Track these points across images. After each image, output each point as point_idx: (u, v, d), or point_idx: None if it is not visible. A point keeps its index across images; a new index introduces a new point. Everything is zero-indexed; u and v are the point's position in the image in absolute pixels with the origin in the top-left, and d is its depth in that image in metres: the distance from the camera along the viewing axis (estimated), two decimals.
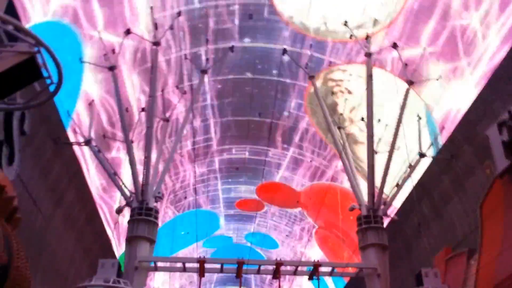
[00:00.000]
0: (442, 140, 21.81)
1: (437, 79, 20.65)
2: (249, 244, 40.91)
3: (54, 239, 22.01)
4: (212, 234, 43.28)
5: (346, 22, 22.65)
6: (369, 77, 21.64)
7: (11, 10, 14.88)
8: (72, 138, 21.49)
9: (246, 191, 38.28)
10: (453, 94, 20.93)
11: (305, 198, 35.76)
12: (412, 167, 21.37)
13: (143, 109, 25.10)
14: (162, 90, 25.32)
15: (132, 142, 21.66)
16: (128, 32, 21.61)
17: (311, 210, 36.02)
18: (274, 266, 20.50)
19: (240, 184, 37.50)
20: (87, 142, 21.57)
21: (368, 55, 21.69)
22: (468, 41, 19.45)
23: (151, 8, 21.61)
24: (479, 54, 19.09)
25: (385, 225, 20.70)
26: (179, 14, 22.75)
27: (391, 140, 20.83)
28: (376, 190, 20.77)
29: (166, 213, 36.76)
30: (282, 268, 20.58)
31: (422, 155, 20.98)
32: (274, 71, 26.78)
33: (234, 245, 45.15)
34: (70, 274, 24.19)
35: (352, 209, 21.23)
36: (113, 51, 21.54)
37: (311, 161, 32.89)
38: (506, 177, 15.54)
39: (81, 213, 24.69)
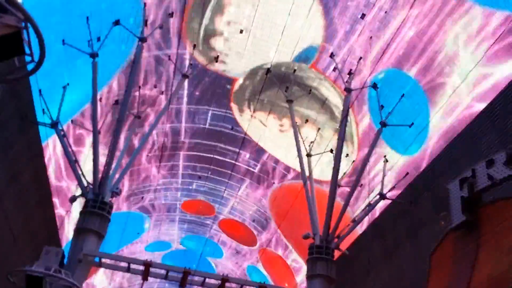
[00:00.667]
0: (403, 185, 22.24)
1: (410, 126, 21.08)
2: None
3: (1, 216, 21.36)
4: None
5: (332, 54, 23.10)
6: (345, 112, 21.94)
7: None
8: (40, 119, 21.03)
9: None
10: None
11: (272, 199, 35.31)
12: (371, 206, 21.69)
13: (116, 102, 24.83)
14: (139, 87, 25.13)
15: (99, 133, 21.33)
16: (116, 23, 21.40)
17: (275, 214, 35.68)
18: (220, 282, 20.43)
19: (200, 193, 37.25)
20: (54, 125, 21.11)
21: (348, 90, 22.03)
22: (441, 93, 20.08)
23: (145, 4, 21.52)
24: (451, 106, 19.71)
25: (335, 258, 20.89)
26: (171, 15, 22.76)
27: (356, 177, 21.14)
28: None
29: (119, 209, 36.23)
30: (227, 285, 20.52)
31: (382, 196, 21.34)
32: None
33: (184, 251, 44.76)
34: (11, 255, 23.47)
35: (306, 237, 21.34)
36: (98, 38, 21.27)
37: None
38: (459, 232, 15.98)
39: (33, 195, 24.06)
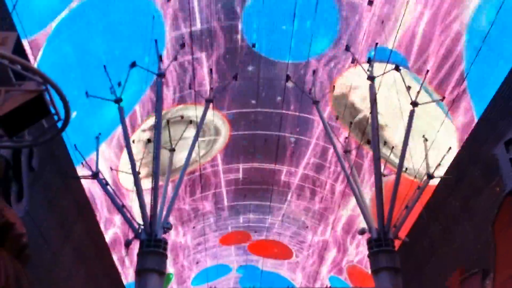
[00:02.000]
0: (449, 160, 21.75)
1: (441, 100, 20.69)
2: None
3: (64, 274, 21.90)
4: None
5: (347, 46, 22.93)
6: (373, 101, 21.68)
7: (19, 47, 15.12)
8: (80, 172, 21.59)
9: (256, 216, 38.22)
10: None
11: None
12: (420, 188, 21.25)
13: (149, 140, 25.26)
14: (168, 121, 25.54)
15: (139, 173, 21.72)
16: (133, 65, 21.89)
17: None
18: None
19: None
20: (95, 176, 21.64)
21: (371, 79, 21.79)
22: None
23: (155, 41, 21.92)
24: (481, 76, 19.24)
25: (396, 247, 20.53)
26: (183, 45, 23.11)
27: (398, 162, 20.78)
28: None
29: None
30: None
31: (430, 176, 20.86)
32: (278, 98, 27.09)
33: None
34: None
35: (362, 232, 21.10)
36: (119, 84, 21.76)
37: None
38: None
39: (90, 247, 24.61)
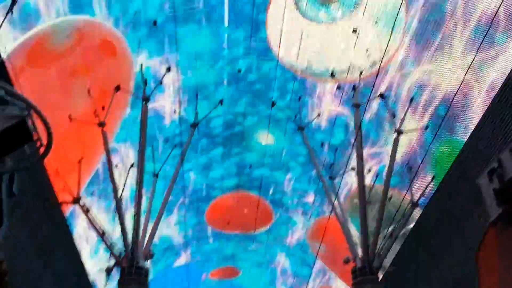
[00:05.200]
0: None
1: (426, 129, 20.85)
2: None
3: None
4: None
5: (333, 72, 23.11)
6: (358, 128, 21.80)
7: (1, 71, 14.93)
8: (61, 197, 21.16)
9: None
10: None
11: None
12: (405, 217, 21.25)
13: (132, 165, 24.96)
14: (152, 146, 25.31)
15: (121, 200, 21.41)
16: (118, 88, 21.77)
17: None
18: None
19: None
20: (76, 201, 21.29)
21: (356, 105, 21.93)
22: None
23: (141, 65, 21.87)
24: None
25: (382, 275, 20.39)
26: (168, 69, 23.08)
27: (383, 190, 20.78)
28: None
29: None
30: None
31: (414, 204, 20.88)
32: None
33: None
34: None
35: (347, 261, 20.93)
36: (102, 108, 21.57)
37: None
38: (500, 225, 15.49)
39: (70, 274, 24.01)
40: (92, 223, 21.45)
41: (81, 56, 20.42)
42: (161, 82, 23.25)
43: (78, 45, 20.09)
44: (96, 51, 21.09)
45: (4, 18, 14.20)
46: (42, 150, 9.84)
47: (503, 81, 16.21)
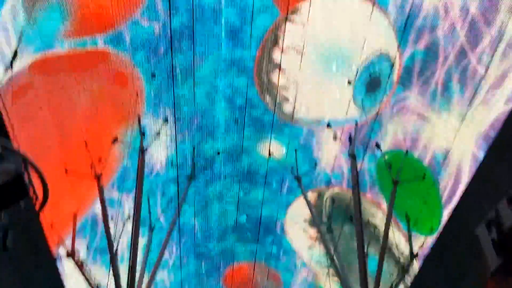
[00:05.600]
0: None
1: (423, 178, 20.86)
2: None
3: None
4: None
5: (329, 123, 23.32)
6: (355, 176, 21.78)
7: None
8: (55, 251, 20.86)
9: None
10: None
11: None
12: (404, 270, 20.94)
13: (128, 217, 24.70)
14: (148, 198, 25.16)
15: (116, 253, 21.05)
16: (115, 140, 21.85)
17: None
18: None
19: None
20: (69, 255, 20.93)
21: (353, 156, 22.00)
22: None
23: (138, 116, 22.05)
24: None
25: None
26: (166, 120, 23.26)
27: (382, 242, 20.55)
28: None
29: None
30: None
31: (413, 256, 20.62)
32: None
33: None
34: None
35: None
36: (99, 159, 21.56)
37: None
38: (500, 276, 15.28)
39: None
40: (86, 277, 21.00)
41: None
42: (158, 133, 23.38)
43: None
44: None
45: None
46: (37, 205, 9.78)
47: None
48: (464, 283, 19.50)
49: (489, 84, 17.42)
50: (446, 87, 19.31)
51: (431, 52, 19.33)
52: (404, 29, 19.40)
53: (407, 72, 20.75)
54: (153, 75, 22.05)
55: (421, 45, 19.62)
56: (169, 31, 20.18)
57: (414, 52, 20.04)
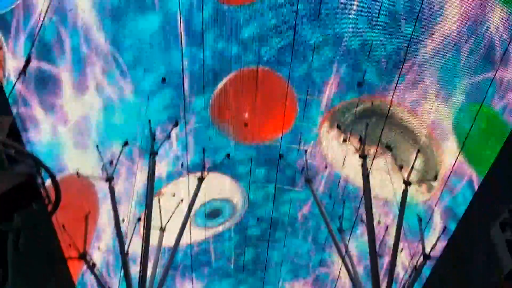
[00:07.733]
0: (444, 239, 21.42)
1: (435, 179, 20.70)
2: None
3: None
4: None
5: (339, 125, 23.22)
6: (366, 178, 21.62)
7: (13, 128, 15.05)
8: (67, 253, 20.93)
9: None
10: None
11: None
12: (417, 270, 20.77)
13: (139, 219, 24.76)
14: (159, 199, 25.19)
15: (127, 254, 21.11)
16: (126, 143, 21.93)
17: None
18: None
19: None
20: (82, 257, 21.02)
21: (364, 157, 21.86)
22: None
23: (149, 121, 22.09)
24: None
25: None
26: (176, 124, 23.26)
27: (394, 242, 20.42)
28: None
29: None
30: None
31: (426, 256, 20.45)
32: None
33: None
34: None
35: None
36: (111, 162, 21.65)
37: None
38: None
39: None
40: (98, 279, 21.08)
41: None
42: (169, 136, 23.39)
43: None
44: None
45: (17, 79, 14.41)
46: (50, 207, 9.76)
47: None
48: (478, 285, 19.31)
49: None
50: None
51: None
52: None
53: None
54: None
55: None
56: None
57: None
